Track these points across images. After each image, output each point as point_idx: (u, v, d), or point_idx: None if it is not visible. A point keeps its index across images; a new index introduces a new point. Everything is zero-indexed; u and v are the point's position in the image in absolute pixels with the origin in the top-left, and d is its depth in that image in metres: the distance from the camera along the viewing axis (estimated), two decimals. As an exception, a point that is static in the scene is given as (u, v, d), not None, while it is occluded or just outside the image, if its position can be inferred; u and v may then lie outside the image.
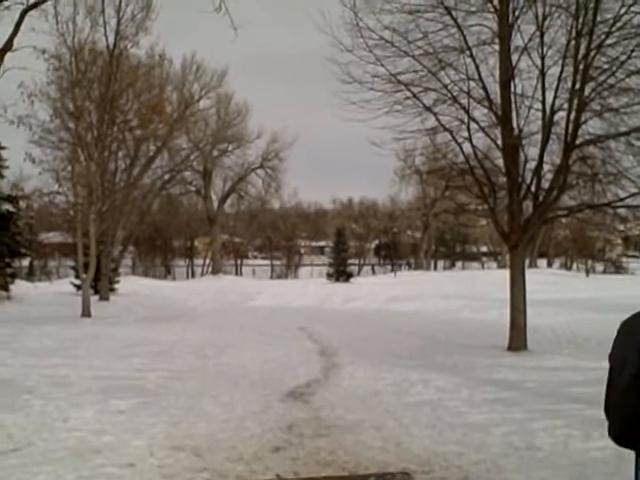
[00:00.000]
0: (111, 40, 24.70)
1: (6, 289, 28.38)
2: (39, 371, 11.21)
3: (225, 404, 9.00)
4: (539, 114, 14.13)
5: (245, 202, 61.49)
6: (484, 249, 70.65)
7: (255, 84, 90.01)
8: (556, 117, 13.99)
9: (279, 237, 67.92)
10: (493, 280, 38.05)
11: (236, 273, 64.37)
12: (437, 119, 14.52)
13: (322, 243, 78.06)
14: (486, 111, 14.53)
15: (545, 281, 33.02)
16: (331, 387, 10.31)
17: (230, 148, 56.51)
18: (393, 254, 64.08)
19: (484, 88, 14.19)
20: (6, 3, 10.04)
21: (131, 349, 14.25)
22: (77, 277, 33.91)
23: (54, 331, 17.54)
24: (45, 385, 10.08)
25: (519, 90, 14.33)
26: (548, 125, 13.86)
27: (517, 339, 13.85)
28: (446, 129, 14.63)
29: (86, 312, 22.73)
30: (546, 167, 14.40)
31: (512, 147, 13.94)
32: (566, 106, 13.74)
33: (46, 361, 12.43)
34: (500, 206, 15.11)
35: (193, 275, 63.21)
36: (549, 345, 14.53)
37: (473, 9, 14.43)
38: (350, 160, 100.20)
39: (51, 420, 8.01)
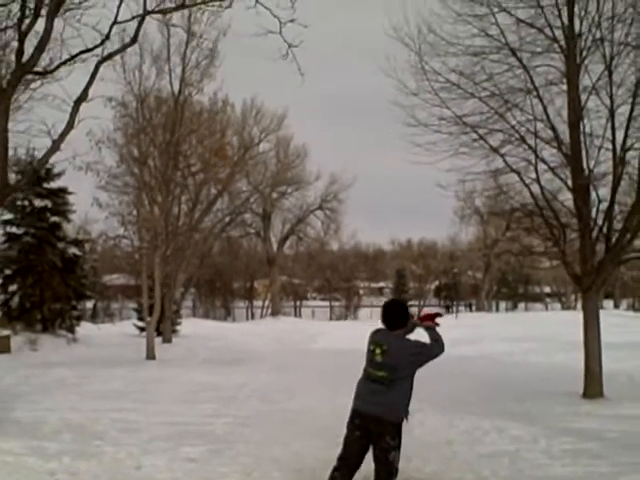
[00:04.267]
0: (176, 87, 25.32)
1: (72, 331, 28.86)
2: (109, 415, 11.24)
3: (296, 452, 8.84)
4: (609, 154, 13.85)
5: (304, 243, 61.64)
6: (547, 290, 69.23)
7: (315, 126, 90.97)
8: (627, 156, 13.69)
9: (338, 278, 67.77)
10: (558, 321, 37.24)
11: (295, 314, 64.36)
12: (504, 160, 14.35)
13: (381, 284, 77.76)
14: (554, 151, 14.29)
15: (615, 323, 32.03)
16: (409, 436, 10.04)
17: (289, 190, 56.95)
18: (454, 295, 63.29)
19: (552, 128, 13.99)
20: (84, 56, 10.29)
21: (197, 394, 14.23)
22: (140, 319, 34.34)
23: (120, 374, 17.68)
24: (115, 430, 10.09)
25: (588, 130, 14.09)
26: (619, 165, 13.55)
27: (593, 386, 13.39)
28: (513, 170, 14.44)
29: (150, 355, 22.92)
30: (618, 208, 14.06)
31: (583, 188, 13.66)
32: (638, 145, 13.44)
33: (115, 405, 12.49)
34: (570, 248, 14.76)
35: (253, 316, 63.40)
36: (626, 391, 14.01)
37: (539, 50, 14.30)
38: (409, 201, 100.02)
39: (124, 468, 7.97)
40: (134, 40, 11.09)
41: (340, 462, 6.20)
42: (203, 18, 23.33)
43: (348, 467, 6.12)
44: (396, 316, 6.16)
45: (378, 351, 5.99)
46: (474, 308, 62.58)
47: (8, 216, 27.77)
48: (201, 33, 22.69)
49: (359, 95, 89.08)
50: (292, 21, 11.25)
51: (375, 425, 6.00)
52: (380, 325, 6.22)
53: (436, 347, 6.10)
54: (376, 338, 6.13)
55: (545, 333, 30.22)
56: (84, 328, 30.72)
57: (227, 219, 49.38)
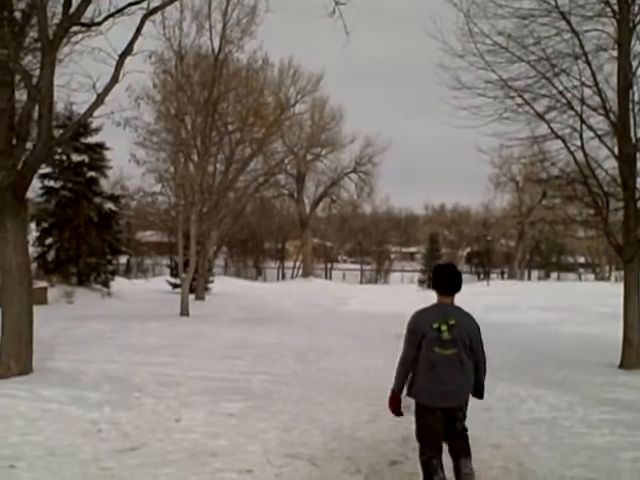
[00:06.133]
0: (216, 44, 25.13)
1: (107, 285, 29.26)
2: (146, 369, 11.38)
3: (333, 412, 8.88)
4: (659, 122, 13.50)
5: (337, 206, 61.70)
6: (581, 260, 68.56)
7: (350, 88, 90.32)
8: (678, 126, 13.34)
9: (369, 242, 67.78)
10: (593, 292, 36.92)
11: (326, 277, 64.65)
12: (549, 126, 14.03)
13: (412, 249, 77.59)
14: (601, 119, 13.95)
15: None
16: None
17: (324, 152, 56.84)
18: (486, 262, 62.95)
19: (600, 95, 13.62)
20: (132, 8, 10.21)
21: (232, 350, 14.35)
22: (173, 276, 34.70)
23: (156, 328, 17.90)
24: (153, 383, 10.21)
25: (637, 98, 13.71)
26: (669, 134, 13.22)
27: (630, 357, 13.20)
28: (558, 136, 14.13)
29: (185, 311, 23.14)
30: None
31: (630, 157, 13.33)
32: (689, 115, 13.10)
33: (152, 359, 12.63)
34: (612, 218, 14.50)
35: (284, 277, 63.80)
36: (664, 364, 13.82)
37: (590, 14, 13.87)
38: (443, 167, 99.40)
39: (164, 420, 8.08)
40: (180, -7, 11.02)
41: (430, 449, 5.47)
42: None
43: (439, 451, 5.51)
44: (459, 278, 5.53)
45: (444, 327, 5.30)
46: (506, 276, 62.18)
47: (46, 170, 28.02)
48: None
49: (398, 58, 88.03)
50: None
51: (455, 412, 5.51)
52: (419, 305, 5.68)
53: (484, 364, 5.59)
54: (436, 315, 5.38)
55: (579, 303, 29.95)
56: (118, 283, 31.14)
57: (261, 179, 49.37)
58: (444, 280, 5.55)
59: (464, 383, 5.44)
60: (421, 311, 5.51)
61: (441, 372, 5.30)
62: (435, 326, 5.31)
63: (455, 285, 5.49)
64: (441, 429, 5.48)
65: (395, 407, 5.59)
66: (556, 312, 26.58)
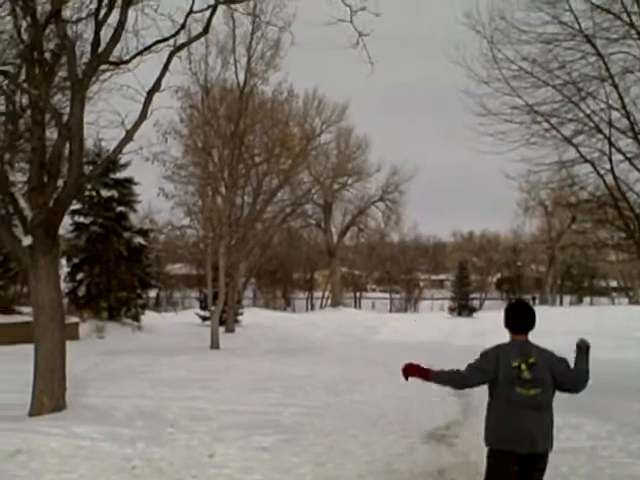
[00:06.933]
0: (241, 78, 25.43)
1: (137, 319, 29.42)
2: (178, 403, 11.36)
3: (366, 444, 8.78)
4: (689, 144, 13.38)
5: (364, 235, 61.65)
6: (614, 284, 67.62)
7: (375, 117, 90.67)
8: None
9: (398, 270, 67.53)
10: (627, 316, 36.32)
11: (355, 306, 64.36)
12: (578, 150, 13.98)
13: (442, 276, 77.11)
14: (630, 141, 13.85)
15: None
16: (473, 429, 9.85)
17: (350, 181, 56.87)
18: (516, 288, 62.35)
19: (628, 117, 13.55)
20: (159, 46, 10.37)
21: (263, 383, 14.29)
22: (202, 308, 34.79)
23: (186, 362, 17.89)
24: (186, 418, 10.18)
25: (666, 119, 13.62)
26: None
27: (669, 383, 12.97)
28: (587, 160, 14.06)
29: (215, 344, 23.16)
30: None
31: (660, 179, 13.23)
32: None
33: (183, 393, 12.62)
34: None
35: (312, 307, 63.63)
36: None
37: (615, 36, 13.85)
38: (470, 193, 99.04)
39: (197, 455, 8.03)
40: (206, 30, 11.13)
41: None
42: (268, 8, 23.35)
43: None
44: (532, 315, 5.22)
45: (524, 366, 4.98)
46: (537, 302, 61.50)
47: (76, 206, 28.39)
48: (267, 22, 22.57)
49: (421, 86, 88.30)
50: (363, 9, 11.11)
51: (537, 461, 5.06)
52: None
53: (582, 377, 5.17)
54: (514, 353, 5.08)
55: (613, 328, 29.53)
56: (148, 317, 31.31)
57: (288, 210, 49.48)
58: (518, 318, 5.27)
59: (547, 426, 5.07)
60: (498, 346, 5.19)
61: (522, 414, 4.95)
62: (515, 364, 5.00)
63: (529, 323, 5.20)
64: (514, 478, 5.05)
65: (411, 372, 5.24)
66: (589, 337, 26.06)
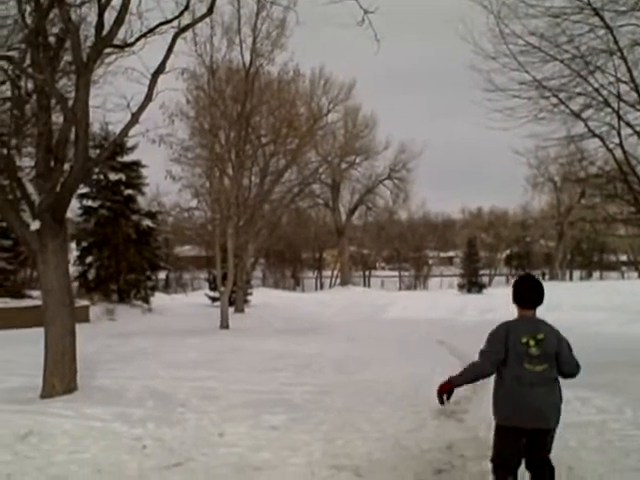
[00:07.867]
0: (247, 58, 25.33)
1: (147, 301, 29.59)
2: (189, 383, 11.44)
3: (377, 421, 8.84)
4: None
5: (373, 214, 61.61)
6: (623, 258, 67.46)
7: (382, 95, 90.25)
8: None
9: (407, 248, 67.49)
10: (636, 291, 36.26)
11: (364, 284, 64.44)
12: (586, 125, 13.89)
13: (451, 254, 77.11)
14: (639, 114, 13.75)
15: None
16: (483, 404, 9.89)
17: (358, 160, 56.75)
18: (526, 264, 62.27)
19: (637, 91, 13.43)
20: (164, 27, 10.35)
21: (273, 362, 14.37)
22: (212, 289, 34.91)
23: (196, 343, 17.99)
24: (196, 398, 10.26)
25: (676, 91, 13.49)
26: None
27: (678, 356, 12.96)
28: (596, 135, 13.97)
29: (224, 324, 23.28)
30: None
31: (670, 152, 13.15)
32: None
33: (193, 373, 12.70)
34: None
35: (322, 287, 63.74)
36: None
37: (623, 8, 13.67)
38: (479, 169, 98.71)
39: (208, 434, 8.11)
40: (210, 10, 11.08)
41: (505, 470, 5.23)
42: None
43: (515, 472, 5.23)
44: (541, 290, 5.25)
45: (532, 342, 5.03)
46: (547, 277, 61.40)
47: (85, 190, 28.51)
48: (271, 2, 22.43)
49: (428, 61, 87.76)
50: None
51: (543, 436, 5.18)
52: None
53: (577, 365, 5.31)
54: (523, 329, 5.14)
55: (623, 302, 29.50)
56: (158, 298, 31.48)
57: (296, 190, 49.49)
58: (526, 293, 5.29)
59: (554, 402, 5.14)
60: (507, 323, 5.23)
61: (529, 389, 5.02)
62: (524, 340, 5.05)
63: (538, 298, 5.23)
64: (521, 454, 5.20)
65: (443, 391, 5.30)
66: (599, 312, 26.22)
